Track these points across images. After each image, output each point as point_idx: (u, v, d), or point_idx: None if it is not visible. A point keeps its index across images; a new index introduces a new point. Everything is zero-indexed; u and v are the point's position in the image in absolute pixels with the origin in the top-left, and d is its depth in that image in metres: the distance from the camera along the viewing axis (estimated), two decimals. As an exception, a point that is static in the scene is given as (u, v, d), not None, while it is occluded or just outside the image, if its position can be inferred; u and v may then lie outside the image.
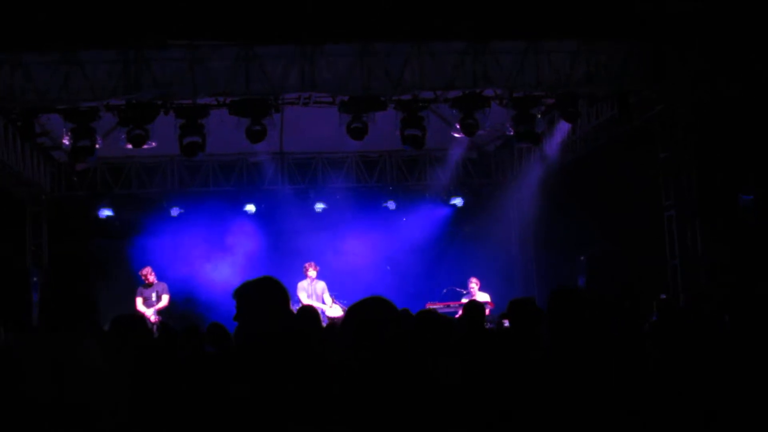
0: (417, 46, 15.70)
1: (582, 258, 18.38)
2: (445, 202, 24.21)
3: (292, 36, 15.15)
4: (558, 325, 5.48)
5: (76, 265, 22.12)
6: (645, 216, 18.45)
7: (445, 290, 20.61)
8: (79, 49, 15.10)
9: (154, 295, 19.09)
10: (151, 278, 19.26)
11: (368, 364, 4.46)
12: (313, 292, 19.35)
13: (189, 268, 21.33)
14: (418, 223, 24.05)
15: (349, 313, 5.10)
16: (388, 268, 23.33)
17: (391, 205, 24.16)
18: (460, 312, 13.45)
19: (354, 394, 4.20)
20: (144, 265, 19.77)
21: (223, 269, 21.55)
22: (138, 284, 19.51)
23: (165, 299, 19.08)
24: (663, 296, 16.91)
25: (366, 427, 4.29)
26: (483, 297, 19.04)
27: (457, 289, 20.18)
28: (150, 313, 18.52)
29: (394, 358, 4.49)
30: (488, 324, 14.07)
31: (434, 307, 18.22)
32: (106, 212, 22.85)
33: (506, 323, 12.15)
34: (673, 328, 7.46)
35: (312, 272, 19.51)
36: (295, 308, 16.08)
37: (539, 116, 17.72)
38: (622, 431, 5.03)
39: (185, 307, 20.76)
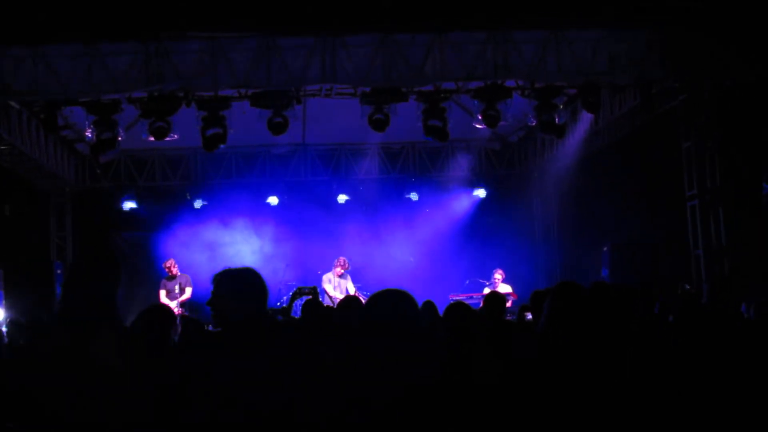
0: (437, 37, 15.63)
1: (605, 249, 18.27)
2: (468, 192, 24.18)
3: (313, 27, 15.11)
4: (554, 320, 5.32)
5: (100, 257, 22.17)
6: (668, 206, 18.35)
7: (467, 281, 20.63)
8: (101, 41, 15.13)
9: (177, 287, 19.16)
10: (175, 270, 19.35)
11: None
12: (338, 285, 19.43)
13: (212, 260, 21.35)
14: (441, 214, 24.04)
15: (368, 303, 5.07)
16: (411, 259, 23.34)
17: (414, 196, 24.19)
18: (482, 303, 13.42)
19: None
20: (167, 257, 19.86)
21: (246, 260, 21.57)
22: (161, 276, 19.59)
23: (188, 291, 19.14)
24: (687, 286, 16.80)
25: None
26: (505, 288, 19.01)
27: (480, 281, 20.17)
28: (173, 306, 18.56)
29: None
30: (509, 316, 14.03)
31: (457, 298, 18.17)
32: (129, 204, 22.99)
33: (528, 316, 12.08)
34: (682, 320, 7.35)
35: (339, 269, 19.57)
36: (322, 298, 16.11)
37: (562, 107, 17.66)
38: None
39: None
